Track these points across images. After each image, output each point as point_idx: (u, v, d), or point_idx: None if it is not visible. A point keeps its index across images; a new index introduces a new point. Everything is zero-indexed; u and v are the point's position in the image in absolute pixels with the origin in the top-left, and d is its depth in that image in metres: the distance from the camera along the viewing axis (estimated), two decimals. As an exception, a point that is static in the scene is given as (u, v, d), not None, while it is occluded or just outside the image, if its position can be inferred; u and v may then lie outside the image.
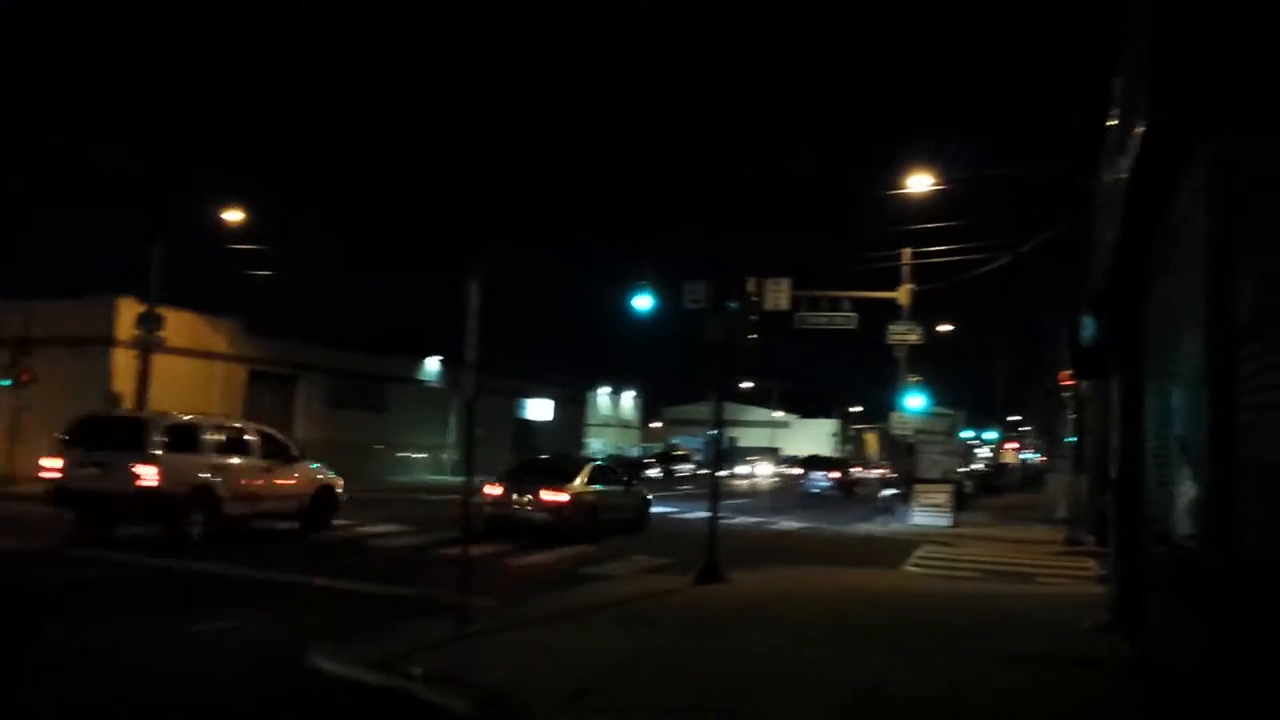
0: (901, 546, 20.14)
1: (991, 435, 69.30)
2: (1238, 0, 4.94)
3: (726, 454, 60.35)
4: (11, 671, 7.61)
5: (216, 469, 15.87)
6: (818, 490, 44.65)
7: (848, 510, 33.47)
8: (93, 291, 29.52)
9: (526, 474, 19.76)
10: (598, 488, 19.50)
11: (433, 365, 43.28)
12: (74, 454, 15.34)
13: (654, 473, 52.09)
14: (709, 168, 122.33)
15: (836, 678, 7.76)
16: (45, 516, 15.73)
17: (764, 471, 66.92)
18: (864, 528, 25.72)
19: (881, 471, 47.52)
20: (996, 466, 60.23)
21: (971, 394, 59.47)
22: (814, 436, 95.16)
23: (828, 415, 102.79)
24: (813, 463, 50.79)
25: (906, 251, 26.24)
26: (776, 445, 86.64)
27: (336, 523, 18.49)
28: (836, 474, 46.92)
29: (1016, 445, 73.33)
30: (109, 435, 15.67)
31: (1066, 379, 25.71)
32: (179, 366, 29.61)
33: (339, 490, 18.75)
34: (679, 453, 63.52)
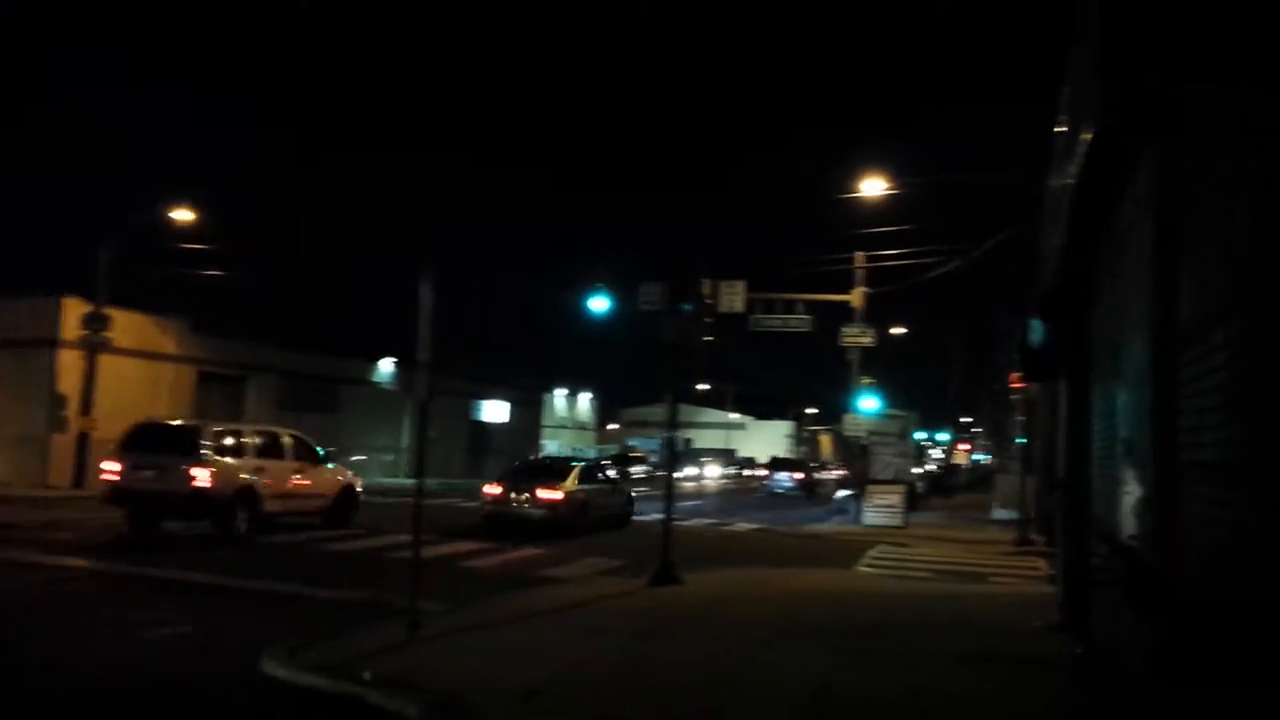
0: (855, 547, 20.28)
1: (944, 436, 70.10)
2: (1180, 8, 5.02)
3: (681, 456, 60.46)
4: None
5: (257, 470, 17.55)
6: (782, 490, 46.57)
7: (804, 510, 33.74)
8: (37, 291, 28.90)
9: (523, 474, 21.49)
10: (588, 486, 21.29)
11: (387, 367, 42.91)
12: (130, 458, 17.04)
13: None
14: (676, 169, 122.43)
15: (790, 679, 7.79)
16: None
17: (712, 473, 67.27)
18: (818, 528, 25.90)
19: (841, 473, 48.19)
20: (948, 467, 61.08)
21: (925, 396, 60.30)
22: (769, 438, 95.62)
23: (783, 417, 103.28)
24: (777, 464, 53.17)
25: (860, 255, 26.44)
26: (733, 447, 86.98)
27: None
28: (800, 475, 49.00)
29: (968, 446, 74.19)
30: (163, 441, 17.32)
31: (1016, 381, 26.05)
32: (126, 368, 29.10)
33: (358, 489, 20.50)
34: (635, 454, 63.53)
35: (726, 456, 79.42)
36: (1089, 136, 6.07)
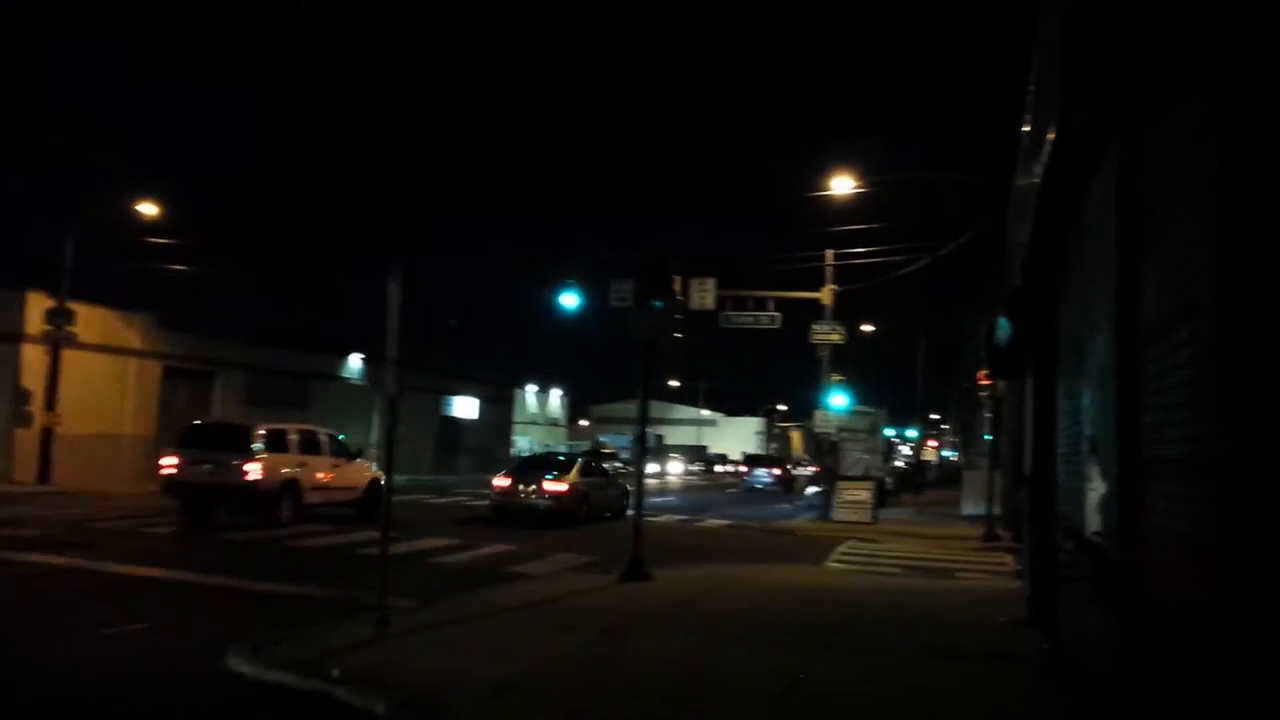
0: (825, 543, 20.39)
1: (913, 433, 70.54)
2: (1140, 3, 5.06)
3: (652, 452, 60.56)
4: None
5: (299, 464, 19.26)
6: (760, 485, 48.53)
7: (774, 507, 33.88)
8: (1, 286, 28.48)
9: (529, 468, 23.69)
10: (588, 479, 23.39)
11: (356, 362, 42.65)
12: (187, 454, 18.51)
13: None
14: (655, 167, 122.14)
15: (760, 675, 7.81)
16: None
17: (675, 470, 67.36)
18: (788, 524, 26.02)
19: (814, 469, 48.74)
20: (917, 464, 61.61)
21: (894, 392, 60.54)
22: (740, 435, 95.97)
23: (753, 413, 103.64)
24: (755, 461, 56.34)
25: (829, 253, 26.58)
26: (704, 443, 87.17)
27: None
28: (778, 471, 51.40)
29: (937, 443, 74.71)
30: (217, 438, 18.96)
31: (984, 379, 26.26)
32: (91, 362, 28.77)
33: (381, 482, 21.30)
34: (606, 450, 63.49)
35: (697, 453, 79.59)
36: (1053, 135, 6.13)
